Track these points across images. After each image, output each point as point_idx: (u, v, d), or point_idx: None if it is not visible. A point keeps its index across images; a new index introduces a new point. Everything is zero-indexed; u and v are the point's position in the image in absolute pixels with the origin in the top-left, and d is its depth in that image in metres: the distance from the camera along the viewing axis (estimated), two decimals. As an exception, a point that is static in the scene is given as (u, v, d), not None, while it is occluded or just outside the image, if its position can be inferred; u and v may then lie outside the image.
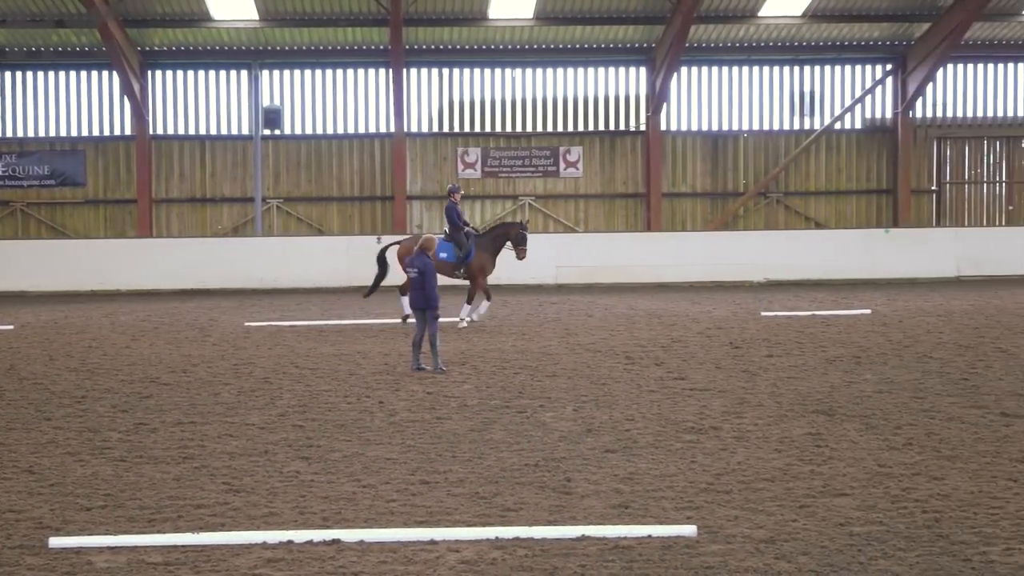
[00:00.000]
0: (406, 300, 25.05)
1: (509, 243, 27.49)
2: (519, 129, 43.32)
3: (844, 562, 9.59)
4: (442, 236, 27.51)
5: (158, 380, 19.62)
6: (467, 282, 27.67)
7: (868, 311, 28.96)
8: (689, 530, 10.41)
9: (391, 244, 28.35)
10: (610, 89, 43.56)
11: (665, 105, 42.88)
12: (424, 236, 21.16)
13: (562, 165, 43.09)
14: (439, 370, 19.94)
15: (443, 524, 10.85)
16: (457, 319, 26.81)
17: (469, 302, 27.12)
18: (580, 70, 43.42)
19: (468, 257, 27.23)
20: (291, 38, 41.78)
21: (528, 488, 12.14)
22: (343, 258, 38.61)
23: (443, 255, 27.01)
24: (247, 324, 28.13)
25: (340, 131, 43.12)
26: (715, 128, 43.95)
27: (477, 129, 43.22)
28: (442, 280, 22.96)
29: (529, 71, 43.33)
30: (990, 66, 44.68)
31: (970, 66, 44.58)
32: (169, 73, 43.02)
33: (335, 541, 10.23)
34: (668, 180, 43.42)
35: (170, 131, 43.09)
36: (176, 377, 19.91)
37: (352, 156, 42.95)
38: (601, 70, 43.48)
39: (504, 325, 27.16)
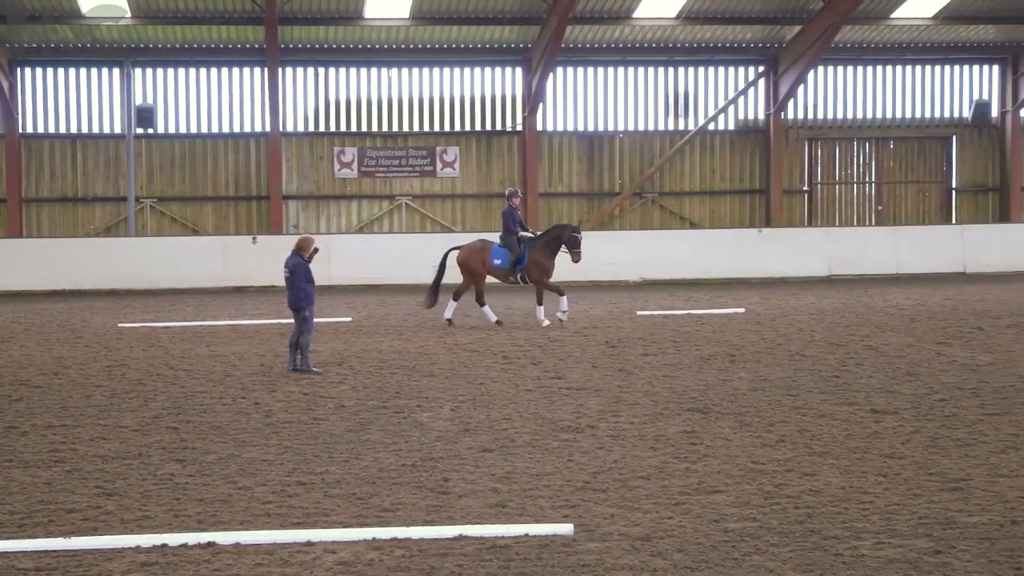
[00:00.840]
0: (487, 309, 27.11)
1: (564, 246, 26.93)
2: (396, 129, 43.21)
3: (719, 558, 9.70)
4: (498, 242, 27.17)
5: (28, 383, 19.29)
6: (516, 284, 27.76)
7: (742, 310, 29.32)
8: (566, 528, 10.45)
9: (452, 248, 27.80)
10: (486, 89, 43.62)
11: (541, 105, 43.03)
12: (300, 236, 21.05)
13: (439, 165, 43.07)
14: (311, 371, 19.85)
15: (320, 525, 10.79)
16: (539, 321, 26.76)
17: (539, 303, 26.84)
18: (456, 70, 43.43)
19: (521, 263, 26.75)
20: (164, 36, 41.26)
21: (405, 488, 12.12)
22: (218, 259, 38.28)
23: (497, 261, 26.87)
24: (120, 325, 27.76)
25: (215, 130, 42.68)
26: (591, 128, 44.19)
27: (354, 129, 43.03)
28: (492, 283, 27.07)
29: (405, 71, 43.23)
30: (859, 68, 45.42)
31: (840, 68, 45.29)
32: (39, 70, 42.27)
33: (210, 544, 10.13)
34: (544, 180, 43.58)
35: (40, 129, 42.35)
36: (47, 379, 19.60)
37: (227, 155, 42.55)
38: (477, 70, 43.52)
39: (381, 325, 27.09)
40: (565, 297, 26.94)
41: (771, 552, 9.84)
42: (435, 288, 27.00)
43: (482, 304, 27.18)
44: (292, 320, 20.71)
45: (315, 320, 20.74)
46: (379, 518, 11.03)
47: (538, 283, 26.78)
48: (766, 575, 9.30)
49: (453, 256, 27.40)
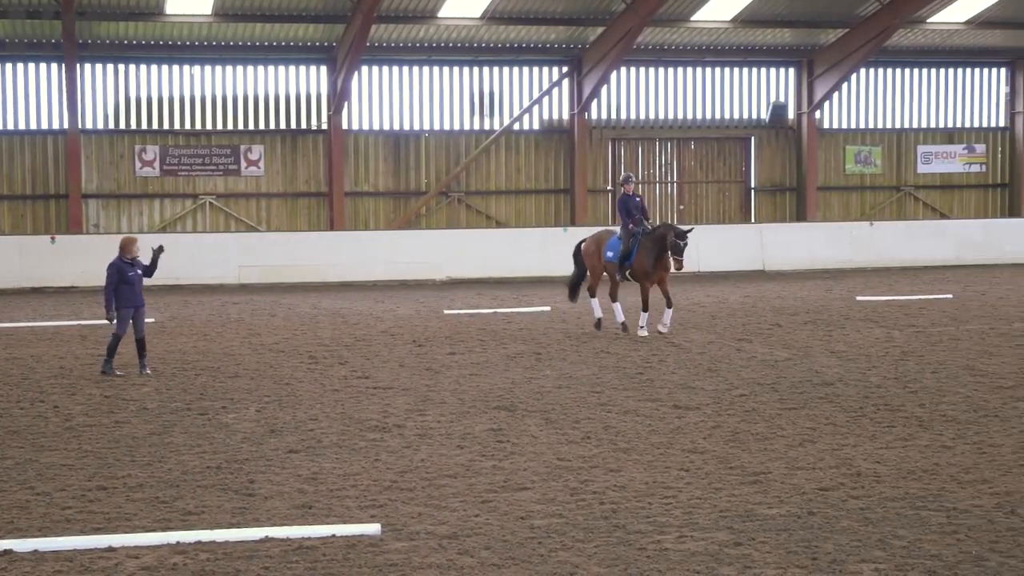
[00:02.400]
0: (595, 302, 25.43)
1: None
2: (199, 127, 42.60)
3: (525, 555, 9.78)
4: (617, 234, 25.03)
5: None
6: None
7: (548, 308, 29.59)
8: (373, 528, 10.45)
9: (582, 241, 26.31)
10: (291, 88, 43.23)
11: (347, 104, 42.81)
12: (123, 236, 20.70)
13: (243, 164, 42.57)
14: (113, 373, 19.53)
15: (122, 530, 10.61)
16: (639, 328, 24.24)
17: (645, 309, 24.33)
18: (261, 68, 42.96)
19: (628, 259, 24.35)
20: (-43, 30, 40.07)
21: (210, 491, 11.98)
22: (15, 259, 37.29)
23: (609, 254, 24.79)
24: (-89, 328, 26.92)
25: (10, 127, 41.51)
26: (397, 128, 44.11)
27: (156, 127, 42.29)
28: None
29: (209, 68, 42.63)
30: (661, 70, 46.11)
31: (642, 69, 45.93)
32: None
33: (7, 552, 9.90)
34: (351, 179, 43.38)
35: None
36: None
37: (24, 153, 41.44)
38: (282, 68, 43.11)
39: (185, 326, 26.70)
40: (670, 310, 24.27)
41: (576, 548, 9.96)
42: (575, 284, 25.99)
43: (592, 295, 25.34)
44: (101, 322, 20.42)
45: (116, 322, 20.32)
46: (183, 521, 10.89)
47: (639, 284, 24.52)
48: (572, 570, 9.40)
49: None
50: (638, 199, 25.12)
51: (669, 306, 24.07)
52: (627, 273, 24.37)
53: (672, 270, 24.04)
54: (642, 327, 23.99)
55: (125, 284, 19.77)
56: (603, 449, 13.69)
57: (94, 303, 30.31)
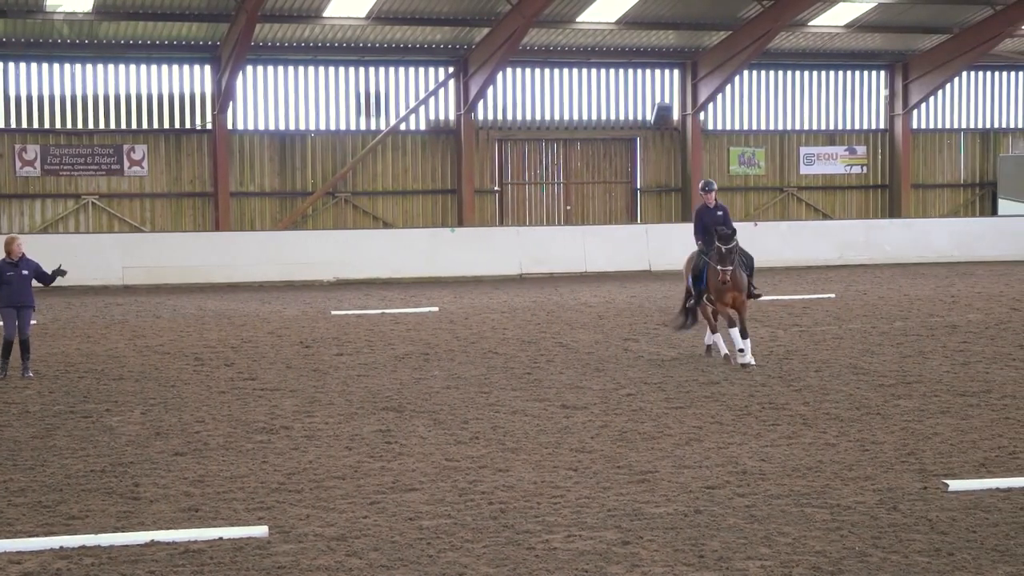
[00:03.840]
0: (708, 330, 21.10)
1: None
2: (80, 126, 42.00)
3: (414, 556, 9.78)
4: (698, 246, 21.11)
5: None
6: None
7: (435, 309, 29.56)
8: (260, 531, 10.39)
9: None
10: (175, 87, 42.77)
11: (232, 104, 42.45)
12: (5, 236, 20.42)
13: (127, 163, 42.04)
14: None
15: (3, 535, 10.46)
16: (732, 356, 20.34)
17: (741, 335, 19.95)
18: (144, 67, 42.44)
19: (701, 280, 20.69)
20: None
21: (94, 495, 11.84)
22: None
23: (691, 277, 21.14)
24: None
25: None
26: (283, 127, 43.84)
27: (35, 125, 41.63)
28: None
29: (90, 67, 42.06)
30: (547, 71, 46.26)
31: (528, 70, 46.05)
32: None
33: None
34: (236, 179, 43.03)
35: None
36: None
37: (-101, 152, 40.63)
38: (165, 67, 42.64)
39: (67, 327, 26.32)
40: (736, 329, 20.00)
41: (465, 548, 9.98)
42: (689, 308, 21.49)
43: (697, 318, 21.52)
44: None
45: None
46: (67, 526, 10.75)
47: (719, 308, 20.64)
48: (461, 571, 9.42)
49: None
50: (720, 213, 20.84)
51: (743, 336, 19.84)
52: (705, 297, 20.68)
53: (743, 293, 20.23)
54: (742, 351, 19.79)
55: (4, 284, 19.48)
56: (491, 449, 13.72)
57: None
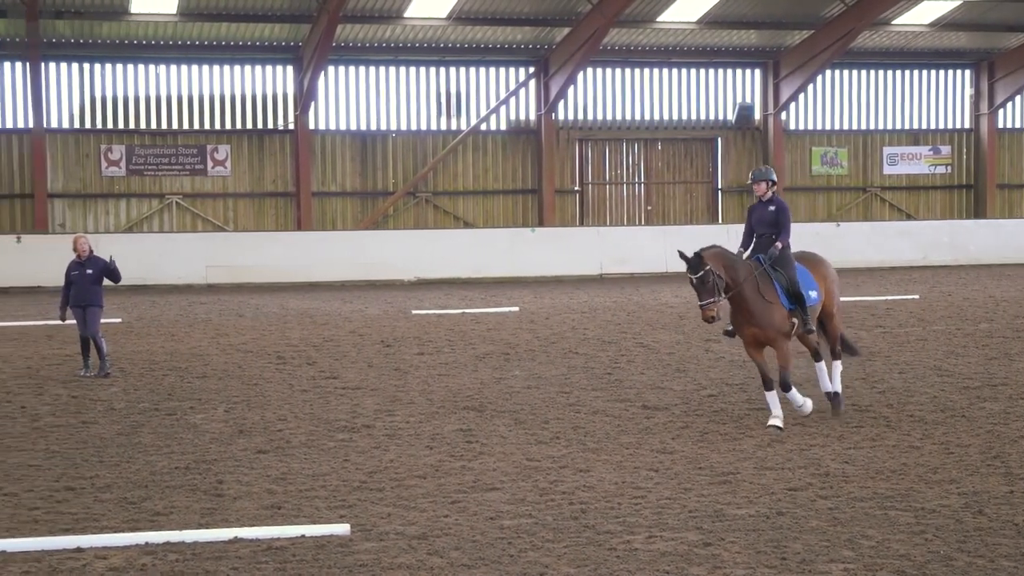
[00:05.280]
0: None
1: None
2: (165, 127, 42.44)
3: (495, 555, 9.78)
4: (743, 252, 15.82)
5: None
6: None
7: (516, 308, 29.58)
8: (342, 529, 10.43)
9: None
10: (258, 87, 43.13)
11: (313, 104, 42.73)
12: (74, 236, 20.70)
13: (210, 164, 42.43)
14: (82, 374, 19.49)
15: (90, 531, 10.57)
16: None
17: (785, 389, 15.34)
18: (227, 68, 42.83)
19: (798, 300, 15.38)
20: (-81, 29, 39.84)
21: (179, 491, 11.94)
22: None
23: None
24: None
25: (-25, 126, 41.35)
26: (364, 128, 44.05)
27: (121, 126, 42.11)
28: None
29: (175, 68, 42.49)
30: (627, 71, 46.18)
31: (609, 70, 45.98)
32: None
33: (-26, 553, 9.85)
34: (318, 179, 43.29)
35: None
36: None
37: (-12, 152, 41.24)
38: (248, 68, 43.00)
39: (152, 326, 26.59)
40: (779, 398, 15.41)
41: (546, 548, 9.96)
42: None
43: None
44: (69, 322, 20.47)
45: (68, 323, 20.17)
46: (152, 522, 10.84)
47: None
48: (542, 571, 9.40)
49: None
50: (771, 209, 15.77)
51: (785, 388, 15.30)
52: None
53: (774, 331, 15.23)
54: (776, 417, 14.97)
55: (72, 284, 19.74)
56: (572, 449, 13.70)
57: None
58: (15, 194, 41.22)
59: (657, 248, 41.13)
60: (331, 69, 43.13)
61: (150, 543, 10.10)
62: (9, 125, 41.36)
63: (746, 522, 10.67)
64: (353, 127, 43.94)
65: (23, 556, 9.81)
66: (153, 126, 42.33)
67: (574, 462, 13.05)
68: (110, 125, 42.01)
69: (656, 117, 46.40)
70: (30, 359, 21.53)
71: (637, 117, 46.27)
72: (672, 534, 10.33)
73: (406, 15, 41.21)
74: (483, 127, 44.78)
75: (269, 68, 43.10)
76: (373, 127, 44.06)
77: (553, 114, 44.55)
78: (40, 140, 40.32)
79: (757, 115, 47.01)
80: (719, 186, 47.10)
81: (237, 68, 42.87)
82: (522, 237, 41.02)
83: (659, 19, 42.95)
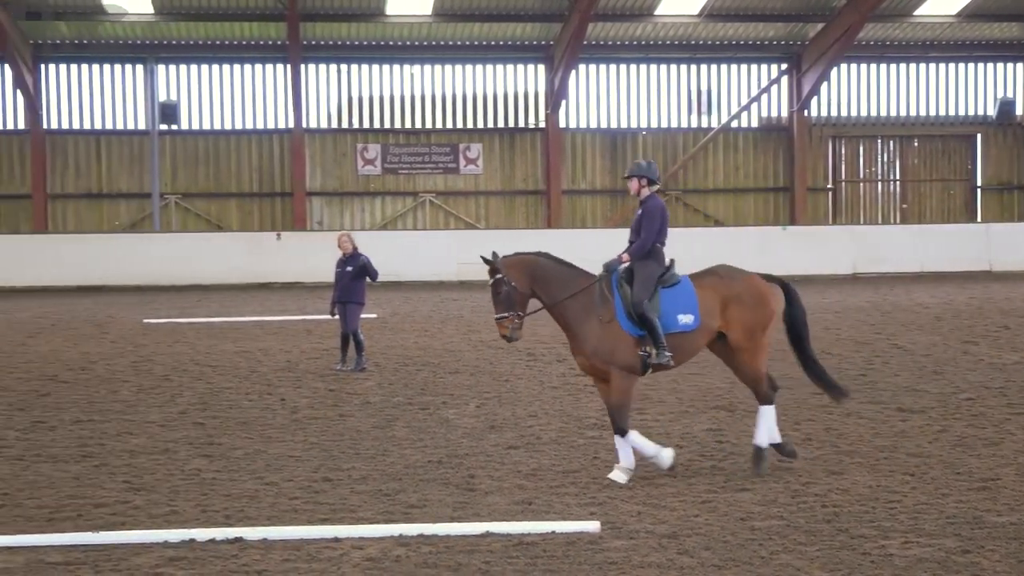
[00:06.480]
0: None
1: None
2: (419, 126, 43.24)
3: (746, 556, 9.68)
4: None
5: (56, 378, 19.36)
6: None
7: (766, 308, 29.19)
8: (592, 526, 10.44)
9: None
10: (509, 86, 43.62)
11: (564, 102, 43.02)
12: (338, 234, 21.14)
13: (462, 162, 43.07)
14: (338, 368, 19.94)
15: (346, 521, 10.81)
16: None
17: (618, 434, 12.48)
18: (479, 67, 43.43)
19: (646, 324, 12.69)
20: (187, 32, 41.38)
21: (431, 485, 12.12)
22: (242, 255, 38.34)
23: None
24: (146, 321, 27.83)
25: (238, 126, 42.77)
26: (614, 126, 44.15)
27: (376, 125, 43.07)
28: None
29: (428, 67, 43.26)
30: (883, 66, 45.31)
31: (863, 66, 45.17)
32: (63, 67, 42.42)
33: (238, 539, 10.15)
34: (568, 177, 43.56)
35: (64, 125, 42.47)
36: (74, 375, 19.67)
37: (251, 152, 42.63)
38: (500, 67, 43.52)
39: (406, 321, 27.09)
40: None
41: (799, 551, 9.82)
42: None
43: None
44: (324, 317, 20.96)
45: (336, 318, 20.61)
46: (406, 515, 11.03)
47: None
48: (793, 574, 9.27)
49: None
50: (639, 212, 13.93)
51: (619, 433, 12.45)
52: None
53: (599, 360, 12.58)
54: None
55: (337, 280, 20.17)
56: (825, 451, 13.48)
57: (318, 298, 31.06)
58: (275, 192, 42.53)
59: (912, 247, 40.28)
60: (582, 67, 43.35)
61: (404, 535, 10.28)
62: (271, 126, 42.67)
63: (1007, 530, 10.34)
64: (603, 125, 44.07)
65: (283, 544, 10.09)
66: (407, 125, 43.17)
67: (827, 464, 12.84)
68: (366, 124, 43.02)
69: (912, 113, 45.39)
70: (290, 353, 22.14)
71: (892, 113, 45.35)
72: (929, 540, 10.07)
73: (657, 13, 41.18)
74: (734, 124, 44.47)
75: (520, 67, 43.54)
76: (623, 125, 44.14)
77: (806, 111, 43.97)
78: (299, 140, 41.51)
79: (1020, 110, 45.56)
80: (978, 184, 45.81)
81: (489, 67, 43.42)
82: (773, 235, 40.57)
83: (916, 13, 42.05)
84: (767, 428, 12.65)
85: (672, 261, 13.39)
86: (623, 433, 12.32)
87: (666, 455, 12.36)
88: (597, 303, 12.84)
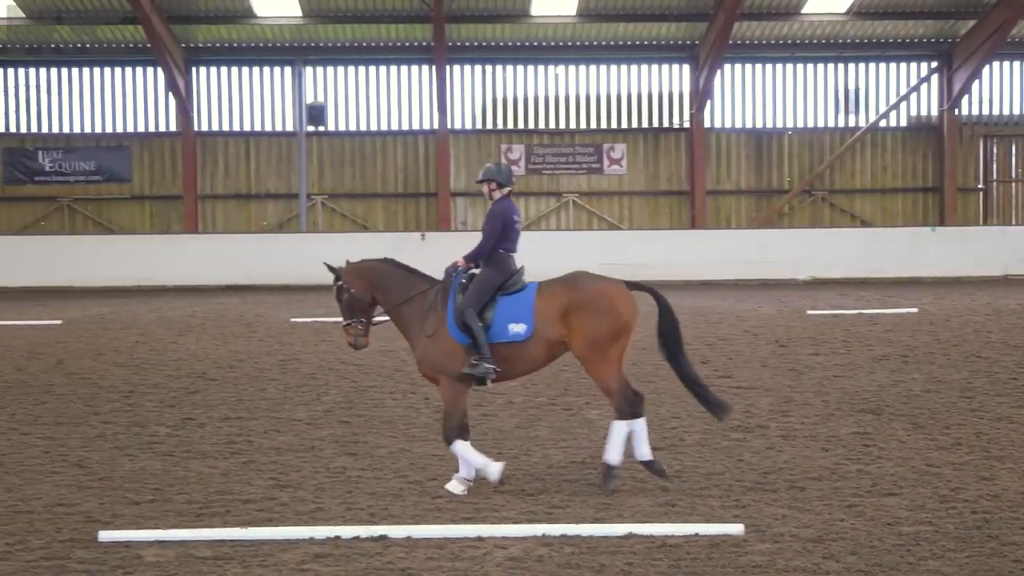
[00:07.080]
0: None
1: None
2: (562, 126, 43.29)
3: (893, 562, 9.54)
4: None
5: (205, 375, 19.72)
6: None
7: (915, 310, 28.81)
8: (736, 529, 10.38)
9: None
10: (653, 86, 43.47)
11: (709, 102, 42.76)
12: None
13: (606, 162, 43.02)
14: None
15: (490, 521, 10.86)
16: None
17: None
18: (623, 67, 43.35)
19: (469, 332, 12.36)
20: (334, 35, 41.89)
21: (574, 485, 12.14)
22: (387, 255, 38.60)
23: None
24: (293, 320, 28.22)
25: (384, 128, 43.17)
26: (759, 125, 43.78)
27: (520, 126, 43.19)
28: None
29: (572, 68, 43.29)
30: (1037, 63, 44.36)
31: (1017, 63, 44.24)
32: (213, 69, 43.19)
33: (382, 537, 10.26)
34: (712, 177, 43.29)
35: (215, 127, 43.22)
36: (222, 373, 20.01)
37: (396, 153, 43.02)
38: (644, 67, 43.39)
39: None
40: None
41: (948, 557, 9.65)
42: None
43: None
44: None
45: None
46: (548, 515, 11.06)
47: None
48: (943, 580, 9.13)
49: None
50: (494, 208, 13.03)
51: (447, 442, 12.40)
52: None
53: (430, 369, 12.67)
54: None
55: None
56: (975, 456, 13.23)
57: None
58: (420, 193, 42.86)
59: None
60: (727, 67, 43.05)
61: (547, 535, 10.31)
62: (416, 127, 43.02)
63: None
64: (748, 125, 43.74)
65: (427, 542, 10.17)
66: (551, 126, 43.24)
67: (977, 469, 12.60)
68: (510, 125, 43.17)
69: (1068, 111, 44.36)
70: (433, 352, 22.25)
71: (1046, 111, 44.36)
72: (1083, 549, 9.85)
73: (804, 11, 40.78)
74: (882, 123, 43.84)
75: (665, 67, 43.38)
76: (768, 125, 43.75)
77: (956, 109, 43.19)
78: (444, 141, 41.80)
79: None
80: None
81: (634, 67, 43.32)
82: (922, 236, 39.91)
83: (1072, 9, 41.05)
84: (620, 444, 12.02)
85: (521, 268, 12.71)
86: (449, 442, 12.14)
87: (494, 469, 12.00)
88: (426, 310, 12.63)
